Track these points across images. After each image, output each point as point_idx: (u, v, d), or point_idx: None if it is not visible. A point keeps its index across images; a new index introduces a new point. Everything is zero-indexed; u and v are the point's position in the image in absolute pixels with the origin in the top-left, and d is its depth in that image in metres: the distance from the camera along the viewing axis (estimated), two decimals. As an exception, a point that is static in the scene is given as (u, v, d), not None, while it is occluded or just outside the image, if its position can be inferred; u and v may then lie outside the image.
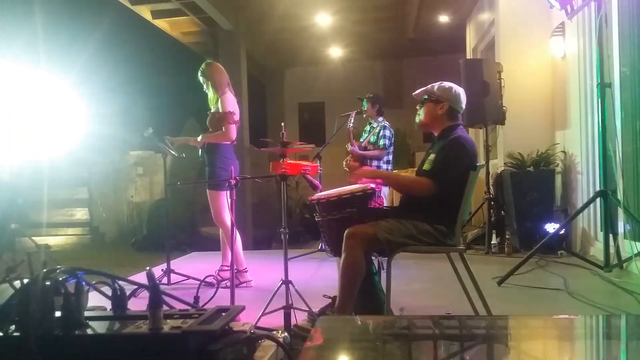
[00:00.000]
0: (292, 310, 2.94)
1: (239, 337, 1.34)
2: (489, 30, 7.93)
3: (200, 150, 4.43)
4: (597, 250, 4.98)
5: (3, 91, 1.99)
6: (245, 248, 4.72)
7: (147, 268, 1.38)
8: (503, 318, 2.15)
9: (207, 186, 4.36)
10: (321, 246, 5.69)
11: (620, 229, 4.57)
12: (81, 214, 10.47)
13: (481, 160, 5.35)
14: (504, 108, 5.93)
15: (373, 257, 3.03)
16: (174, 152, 4.53)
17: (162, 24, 9.56)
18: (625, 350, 1.37)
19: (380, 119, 6.01)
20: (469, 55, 9.31)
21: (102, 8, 10.35)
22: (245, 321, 1.51)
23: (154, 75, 13.00)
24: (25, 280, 1.33)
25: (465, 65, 6.03)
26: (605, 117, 4.25)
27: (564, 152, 5.91)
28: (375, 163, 5.86)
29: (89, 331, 1.30)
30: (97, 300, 1.56)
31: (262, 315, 3.00)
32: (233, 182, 3.12)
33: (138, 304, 1.51)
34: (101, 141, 10.80)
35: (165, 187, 4.87)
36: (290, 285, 3.08)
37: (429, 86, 3.12)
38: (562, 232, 5.06)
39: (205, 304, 3.46)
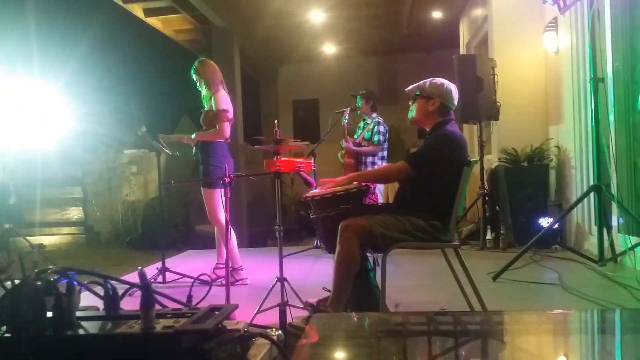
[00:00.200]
0: (287, 307, 2.94)
1: (232, 335, 1.33)
2: (482, 25, 7.94)
3: (194, 148, 4.41)
4: (591, 245, 5.00)
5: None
6: (240, 246, 4.71)
7: (139, 268, 1.37)
8: (498, 313, 2.16)
9: (201, 184, 4.35)
10: (316, 243, 5.68)
11: (614, 223, 4.59)
12: (75, 213, 10.43)
13: (475, 156, 5.35)
14: (497, 103, 5.94)
15: (368, 254, 3.03)
16: (167, 151, 4.51)
17: (154, 22, 9.50)
18: (620, 344, 1.37)
19: (374, 115, 6.01)
20: (462, 51, 9.32)
21: (94, 7, 10.30)
22: (240, 319, 1.50)
23: (147, 74, 12.96)
24: (17, 281, 1.32)
25: (458, 61, 6.02)
26: (598, 112, 4.26)
27: (557, 147, 5.92)
28: (369, 159, 5.86)
29: (81, 331, 1.29)
30: (90, 301, 1.55)
31: (257, 313, 3.00)
32: (227, 180, 3.11)
33: (133, 304, 1.50)
34: (95, 140, 10.78)
35: (160, 185, 4.84)
36: (285, 282, 3.08)
37: (421, 82, 3.11)
38: (556, 226, 5.07)
39: (199, 302, 3.44)
